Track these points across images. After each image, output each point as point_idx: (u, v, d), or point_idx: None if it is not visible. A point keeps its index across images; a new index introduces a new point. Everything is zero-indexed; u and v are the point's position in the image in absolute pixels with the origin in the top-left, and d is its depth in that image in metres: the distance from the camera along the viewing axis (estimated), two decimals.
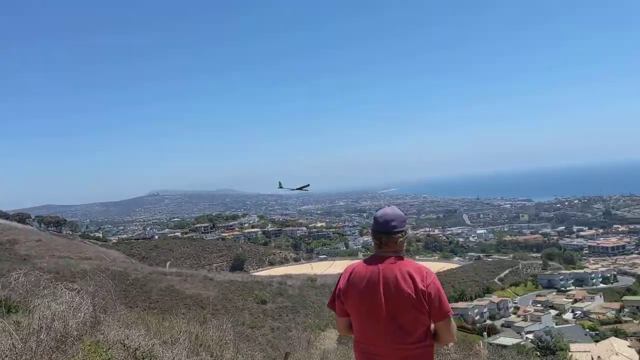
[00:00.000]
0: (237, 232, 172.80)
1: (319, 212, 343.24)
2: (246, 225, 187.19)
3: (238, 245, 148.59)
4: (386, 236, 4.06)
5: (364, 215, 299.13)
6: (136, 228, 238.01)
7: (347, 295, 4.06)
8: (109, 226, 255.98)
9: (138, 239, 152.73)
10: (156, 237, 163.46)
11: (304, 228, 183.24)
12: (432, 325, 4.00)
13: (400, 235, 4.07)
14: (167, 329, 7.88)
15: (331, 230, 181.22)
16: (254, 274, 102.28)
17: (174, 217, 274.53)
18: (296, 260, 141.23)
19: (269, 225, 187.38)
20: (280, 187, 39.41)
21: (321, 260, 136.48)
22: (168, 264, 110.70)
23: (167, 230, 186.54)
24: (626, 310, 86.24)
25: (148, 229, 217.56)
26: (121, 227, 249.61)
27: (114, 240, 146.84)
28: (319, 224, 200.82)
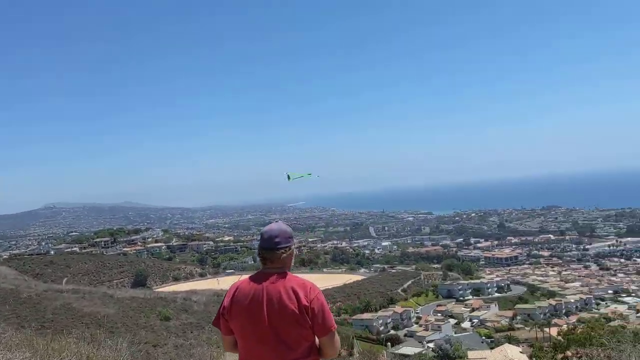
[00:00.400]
0: (139, 247, 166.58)
1: (226, 225, 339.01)
2: (149, 239, 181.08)
3: (140, 260, 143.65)
4: (269, 252, 4.06)
5: None
6: (30, 243, 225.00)
7: (231, 313, 4.04)
8: (0, 241, 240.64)
9: (32, 255, 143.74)
10: (52, 252, 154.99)
11: (211, 242, 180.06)
12: (317, 340, 4.03)
13: (283, 251, 4.07)
14: (55, 351, 7.44)
15: (239, 244, 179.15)
16: (157, 290, 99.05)
17: (72, 231, 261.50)
18: (202, 276, 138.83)
19: (174, 239, 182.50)
20: (289, 179, 37.25)
21: (228, 275, 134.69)
22: (65, 280, 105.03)
23: (64, 245, 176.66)
24: (518, 317, 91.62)
25: (43, 243, 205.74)
26: (13, 242, 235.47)
27: (4, 256, 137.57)
28: (226, 238, 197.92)
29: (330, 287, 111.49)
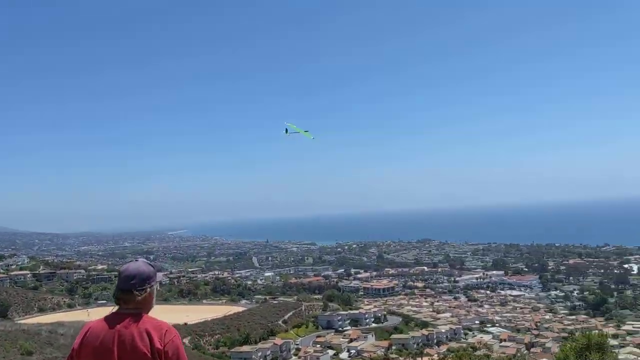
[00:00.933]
0: (1, 275, 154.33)
1: (100, 253, 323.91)
2: (13, 266, 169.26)
3: (2, 289, 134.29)
4: (124, 294, 4.04)
5: (152, 257, 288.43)
6: None
7: (80, 356, 3.98)
8: None
9: None
10: None
11: (83, 271, 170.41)
12: None
13: (138, 294, 4.05)
14: None
15: (113, 273, 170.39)
16: (19, 322, 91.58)
17: None
18: (70, 306, 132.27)
19: (41, 267, 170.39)
20: (286, 132, 35.35)
21: (100, 305, 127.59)
22: None
23: None
24: (394, 347, 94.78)
25: None
26: None
27: None
28: (99, 267, 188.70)
29: (209, 318, 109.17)
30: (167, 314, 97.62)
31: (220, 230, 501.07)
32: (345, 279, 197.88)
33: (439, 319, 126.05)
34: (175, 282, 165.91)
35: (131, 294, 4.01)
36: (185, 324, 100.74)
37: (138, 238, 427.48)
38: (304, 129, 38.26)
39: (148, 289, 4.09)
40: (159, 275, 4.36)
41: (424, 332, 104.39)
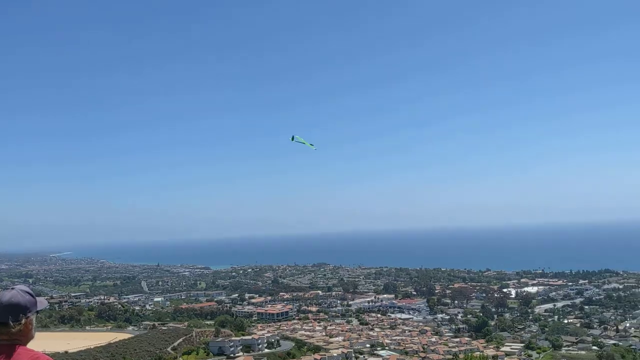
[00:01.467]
0: None
1: None
2: None
3: None
4: None
5: (31, 281, 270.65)
6: None
7: None
8: None
9: None
10: None
11: None
12: None
13: (13, 326, 3.85)
14: None
15: None
16: None
17: None
18: None
19: None
20: (292, 139, 33.41)
21: None
22: None
23: None
24: None
25: None
26: None
27: None
28: None
29: (92, 346, 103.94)
30: (46, 342, 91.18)
31: (108, 253, 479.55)
32: (239, 304, 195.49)
33: (331, 343, 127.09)
34: (57, 308, 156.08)
35: (5, 325, 3.75)
36: (66, 352, 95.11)
37: (16, 260, 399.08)
38: (310, 143, 38.81)
39: (22, 321, 3.82)
40: (41, 303, 4.06)
41: (317, 356, 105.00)
